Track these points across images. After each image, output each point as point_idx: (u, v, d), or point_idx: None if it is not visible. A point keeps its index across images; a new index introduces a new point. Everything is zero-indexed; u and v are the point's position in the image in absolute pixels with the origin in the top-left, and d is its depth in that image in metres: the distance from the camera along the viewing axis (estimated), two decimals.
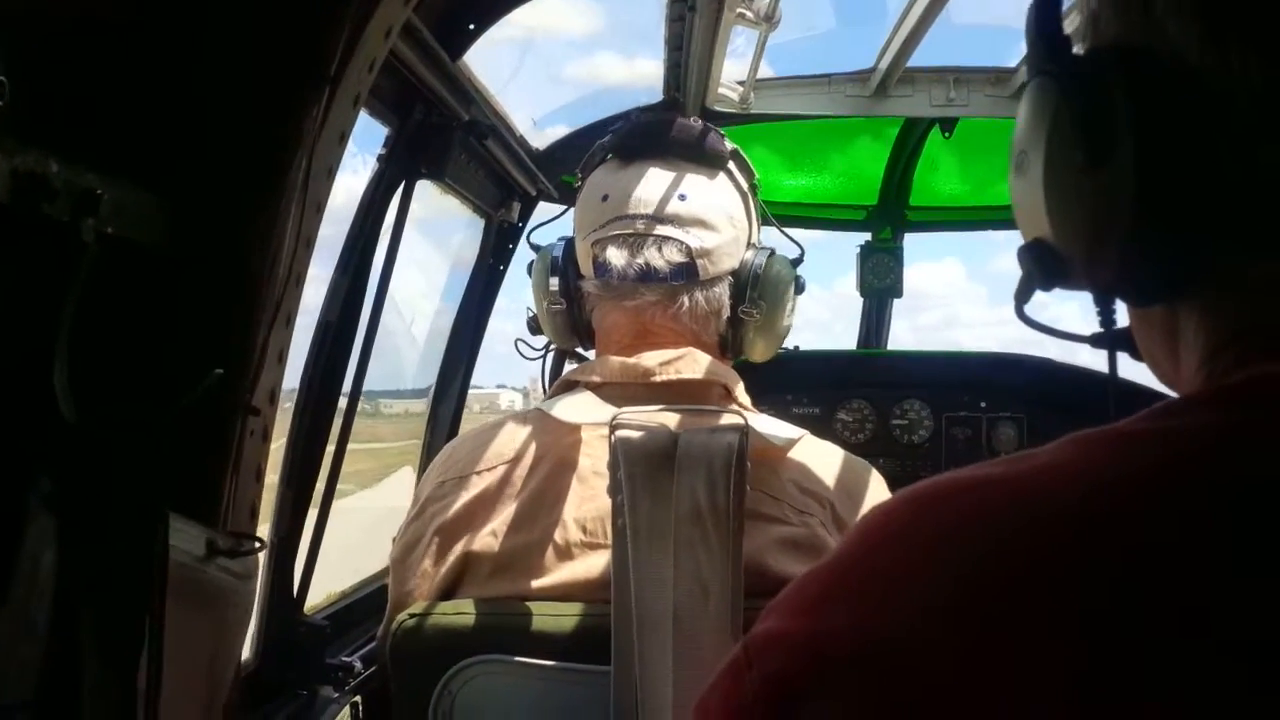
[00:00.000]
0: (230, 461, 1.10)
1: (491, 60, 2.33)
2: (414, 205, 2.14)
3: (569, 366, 1.78)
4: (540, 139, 2.91)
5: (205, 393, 1.00)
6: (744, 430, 1.43)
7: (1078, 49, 0.71)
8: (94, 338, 0.92)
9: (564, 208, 1.89)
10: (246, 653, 1.81)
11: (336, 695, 1.92)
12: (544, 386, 1.91)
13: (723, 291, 1.65)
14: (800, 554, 1.48)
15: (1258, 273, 0.63)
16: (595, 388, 1.61)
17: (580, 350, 1.81)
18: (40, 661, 0.88)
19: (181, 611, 0.97)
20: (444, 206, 2.69)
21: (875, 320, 4.12)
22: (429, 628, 1.46)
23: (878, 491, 1.64)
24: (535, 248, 1.80)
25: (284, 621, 1.91)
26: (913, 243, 3.93)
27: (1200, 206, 0.63)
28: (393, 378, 3.25)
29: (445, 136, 2.07)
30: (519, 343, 1.90)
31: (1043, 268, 0.73)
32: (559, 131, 2.99)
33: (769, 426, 1.56)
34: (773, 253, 1.71)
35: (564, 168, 2.97)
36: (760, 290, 1.66)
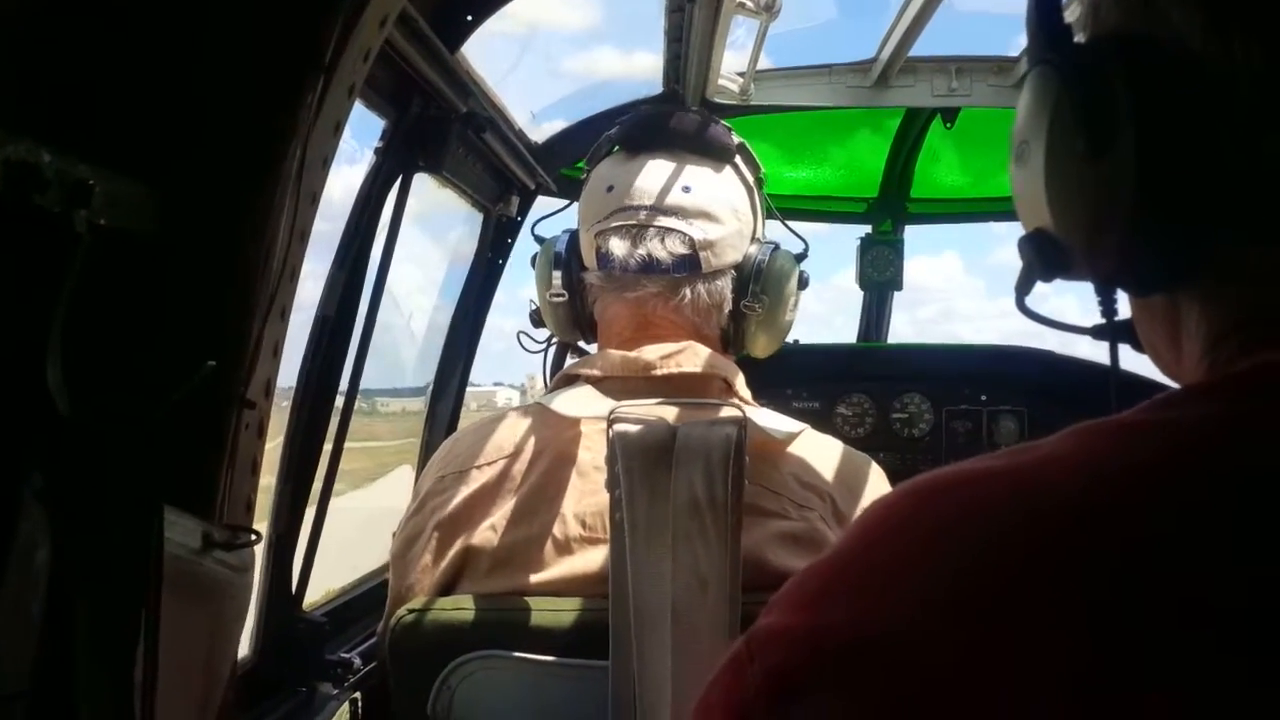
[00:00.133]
0: (225, 454, 1.09)
1: (490, 53, 2.33)
2: (411, 199, 2.13)
3: (571, 360, 1.78)
4: (539, 133, 2.91)
5: (199, 385, 0.99)
6: (742, 423, 1.43)
7: (1078, 38, 0.71)
8: (87, 330, 0.91)
9: (565, 202, 1.88)
10: (245, 650, 1.81)
11: (335, 692, 1.92)
12: (545, 379, 1.90)
13: (725, 285, 1.65)
14: (800, 548, 1.47)
15: (1259, 261, 0.63)
16: (595, 381, 1.61)
17: (582, 344, 1.81)
18: (35, 654, 0.87)
19: (177, 604, 0.97)
20: (442, 200, 2.69)
21: (875, 313, 4.12)
22: (427, 623, 1.46)
23: (878, 485, 1.64)
24: (539, 240, 1.80)
25: (282, 618, 1.90)
26: (911, 236, 3.93)
27: (1201, 195, 0.63)
28: (389, 376, 3.25)
29: (443, 129, 2.06)
30: (522, 335, 1.89)
31: (1044, 258, 0.73)
32: (558, 125, 2.99)
33: (769, 420, 1.56)
34: (777, 247, 1.71)
35: (563, 161, 2.96)
36: (763, 284, 1.66)
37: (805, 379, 3.56)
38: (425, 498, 1.60)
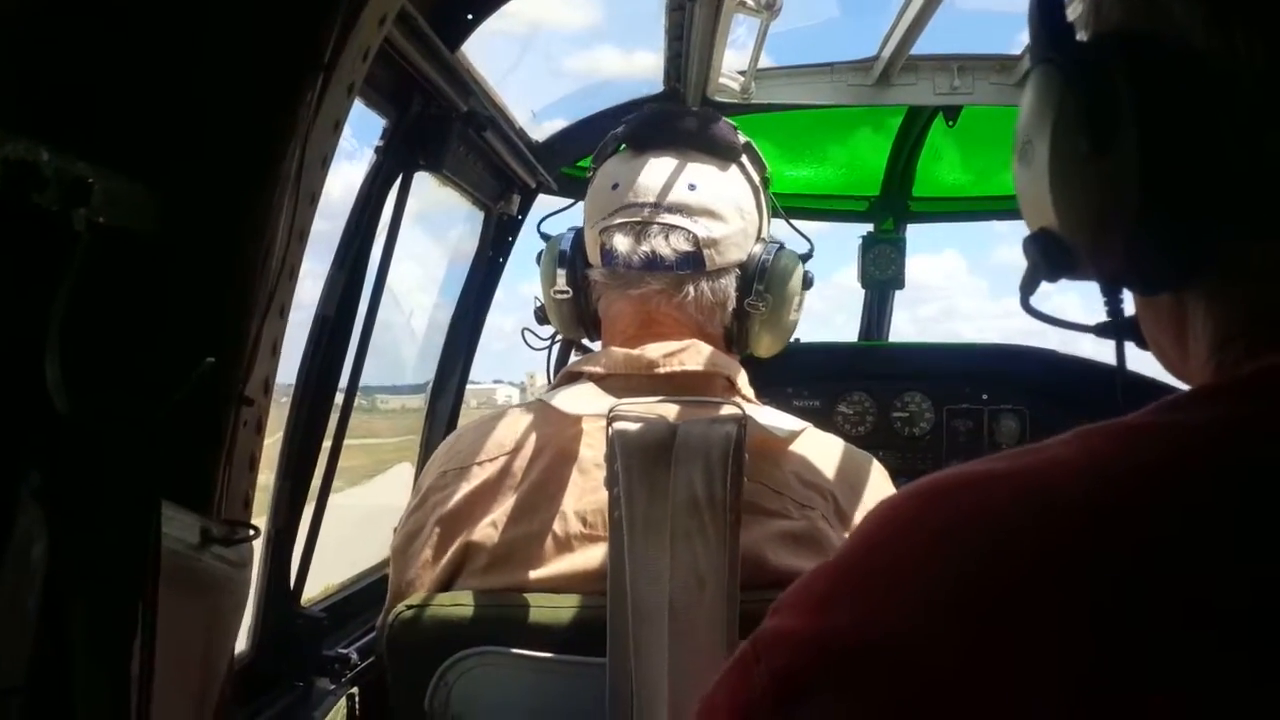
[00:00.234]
0: (224, 451, 1.09)
1: (490, 52, 2.33)
2: (411, 198, 2.13)
3: (575, 357, 1.78)
4: (540, 131, 2.91)
5: (198, 383, 0.99)
6: (742, 421, 1.43)
7: (1080, 36, 0.71)
8: (86, 328, 0.91)
9: (570, 200, 1.89)
10: (243, 645, 1.82)
11: (333, 687, 1.92)
12: (549, 376, 1.91)
13: (729, 283, 1.65)
14: (800, 548, 1.48)
15: (1264, 258, 0.63)
16: (598, 379, 1.61)
17: (586, 341, 1.81)
18: (32, 650, 0.88)
19: (175, 599, 0.97)
20: (442, 199, 2.69)
21: (877, 312, 4.12)
22: (426, 619, 1.47)
23: (880, 484, 1.64)
24: (545, 237, 1.80)
25: (281, 614, 1.91)
26: (912, 235, 3.93)
27: (1206, 193, 0.63)
28: (389, 373, 3.25)
29: (444, 128, 2.06)
30: (526, 332, 1.90)
31: (1049, 258, 0.73)
32: (559, 124, 2.99)
33: (771, 419, 1.56)
34: (781, 246, 1.71)
35: (564, 160, 2.97)
36: (767, 284, 1.65)
37: (806, 377, 3.56)
38: (427, 493, 1.60)
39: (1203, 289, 0.67)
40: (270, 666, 1.87)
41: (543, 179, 2.88)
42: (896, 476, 1.72)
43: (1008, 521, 0.58)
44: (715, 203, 1.63)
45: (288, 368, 1.90)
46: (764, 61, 2.67)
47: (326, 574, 2.46)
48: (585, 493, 1.51)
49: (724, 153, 1.69)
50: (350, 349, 2.05)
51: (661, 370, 1.58)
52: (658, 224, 1.60)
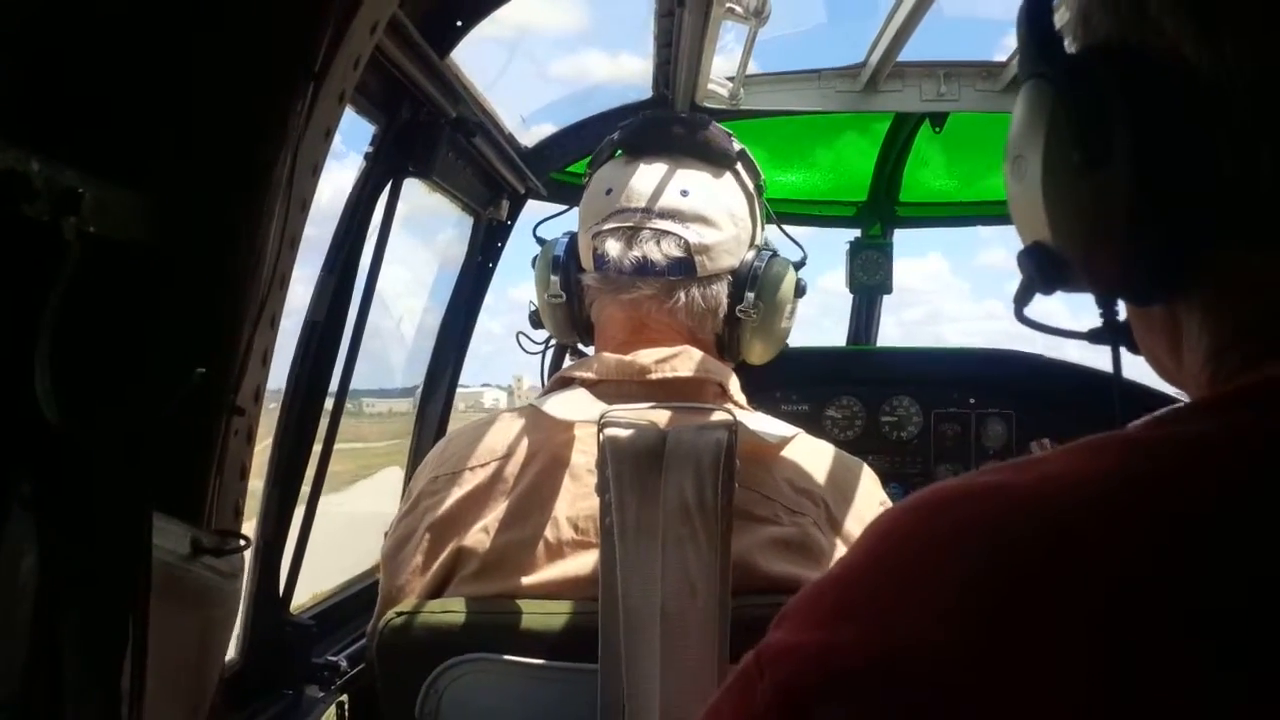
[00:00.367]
0: (214, 461, 1.09)
1: (479, 58, 2.33)
2: (401, 204, 2.13)
3: (569, 362, 1.79)
4: (529, 137, 2.91)
5: (189, 393, 0.99)
6: (733, 428, 1.43)
7: (1070, 47, 0.71)
8: (76, 338, 0.91)
9: (564, 207, 1.89)
10: (232, 652, 1.81)
11: (322, 694, 1.92)
12: (543, 380, 1.91)
13: (721, 290, 1.65)
14: (791, 554, 1.48)
15: (1259, 270, 0.63)
16: (590, 385, 1.61)
17: (580, 346, 1.81)
18: (23, 662, 0.87)
19: (166, 610, 0.97)
20: (431, 205, 2.69)
21: (864, 317, 4.13)
22: (416, 626, 1.46)
23: (870, 490, 1.64)
24: (540, 241, 1.81)
25: (270, 621, 1.90)
26: (897, 238, 3.94)
27: (1200, 205, 0.63)
28: (377, 377, 3.25)
29: (433, 134, 2.06)
30: (521, 336, 1.90)
31: (1043, 272, 0.73)
32: (548, 129, 2.99)
33: (763, 425, 1.56)
34: (774, 254, 1.71)
35: (553, 165, 2.97)
36: (759, 291, 1.66)
37: (794, 382, 3.57)
38: (418, 498, 1.60)
39: (1196, 299, 0.67)
40: (259, 674, 1.86)
41: (532, 185, 2.88)
42: (885, 481, 1.72)
43: (1009, 532, 0.58)
44: (707, 209, 1.63)
45: (277, 374, 1.90)
46: (752, 68, 2.67)
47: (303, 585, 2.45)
48: (577, 499, 1.50)
49: (718, 160, 1.69)
50: (340, 355, 2.04)
51: (653, 376, 1.59)
52: (649, 229, 1.61)
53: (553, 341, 1.90)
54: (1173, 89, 0.63)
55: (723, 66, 2.62)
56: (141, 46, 0.98)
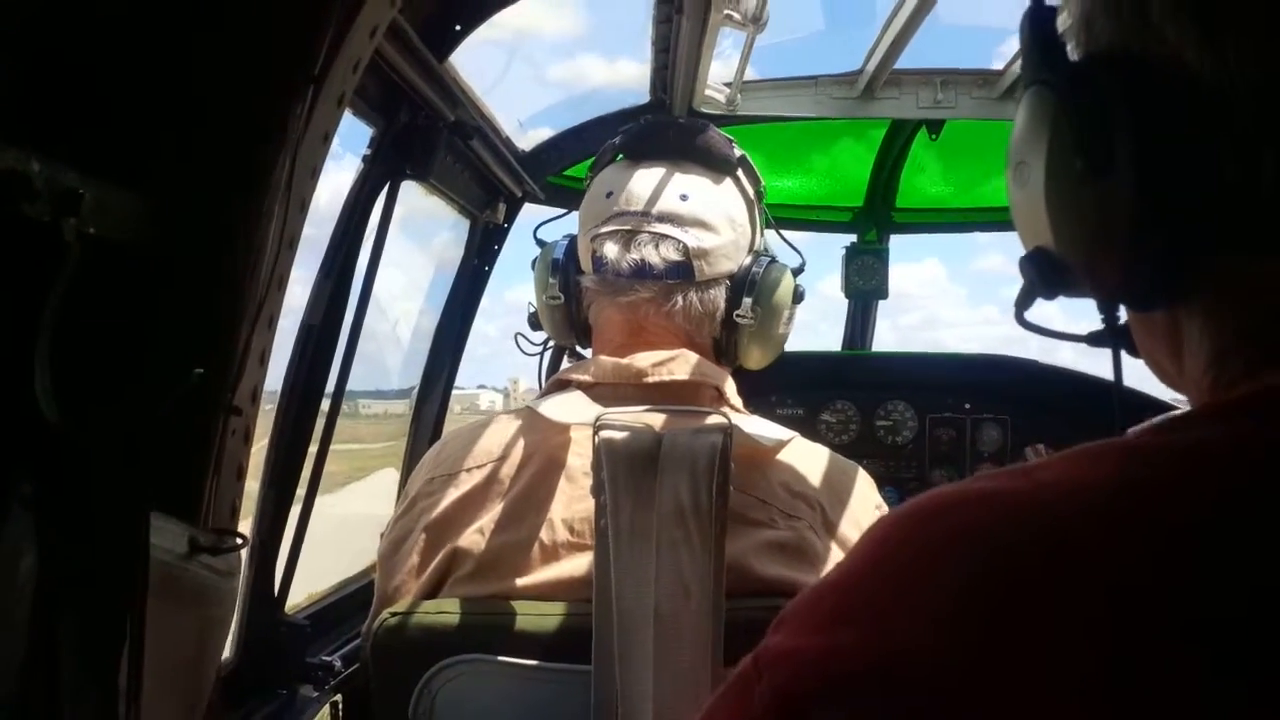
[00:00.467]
0: (211, 461, 1.09)
1: (478, 62, 2.34)
2: (399, 206, 2.14)
3: (567, 364, 1.79)
4: (526, 141, 2.91)
5: (187, 393, 1.00)
6: (728, 431, 1.44)
7: (1072, 54, 0.71)
8: (76, 338, 0.91)
9: (563, 210, 1.90)
10: (227, 652, 1.81)
11: (317, 694, 1.92)
12: (540, 382, 1.92)
13: (719, 294, 1.65)
14: (786, 557, 1.48)
15: (1261, 277, 0.63)
16: (587, 387, 1.62)
17: (578, 348, 1.82)
18: (21, 660, 0.88)
19: (163, 609, 0.97)
20: (428, 207, 2.69)
21: (860, 322, 4.13)
22: (411, 626, 1.46)
23: (866, 493, 1.65)
24: (540, 243, 1.81)
25: (265, 621, 1.91)
26: (893, 244, 3.94)
27: (1202, 212, 0.63)
28: (374, 378, 3.25)
29: (431, 137, 2.07)
30: (519, 337, 1.91)
31: (1045, 277, 0.73)
32: (545, 133, 2.99)
33: (759, 428, 1.57)
34: (773, 259, 1.72)
35: (550, 169, 2.97)
36: (756, 296, 1.66)
37: (790, 386, 3.58)
38: (414, 499, 1.60)
39: (1198, 305, 0.67)
40: (254, 673, 1.87)
41: (529, 188, 2.88)
42: (880, 485, 1.72)
43: (1006, 539, 0.58)
44: (707, 213, 1.64)
45: (273, 375, 1.90)
46: (750, 74, 2.68)
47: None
48: (573, 501, 1.51)
49: (719, 165, 1.70)
50: (336, 356, 2.05)
51: (650, 379, 1.59)
52: (648, 232, 1.61)
53: (551, 343, 1.90)
54: (1175, 96, 0.63)
55: (720, 72, 2.63)
56: (142, 48, 0.99)
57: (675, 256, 1.61)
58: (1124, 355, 0.77)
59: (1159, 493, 0.57)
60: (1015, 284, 0.78)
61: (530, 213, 3.00)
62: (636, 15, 2.37)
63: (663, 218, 1.62)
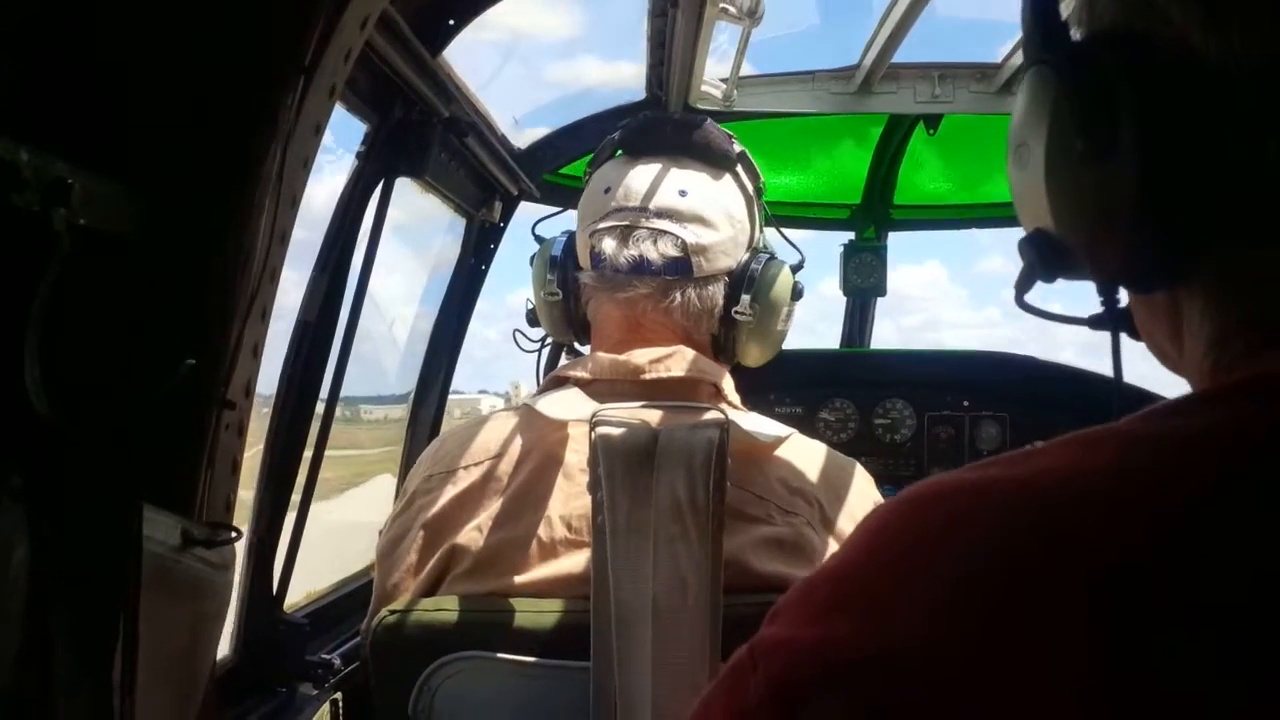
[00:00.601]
0: (205, 454, 1.09)
1: (472, 59, 2.33)
2: (392, 205, 2.13)
3: (565, 361, 1.79)
4: (522, 138, 2.91)
5: (179, 385, 0.99)
6: (724, 426, 1.43)
7: (1075, 34, 0.71)
8: (66, 329, 0.91)
9: (558, 209, 1.90)
10: (226, 650, 1.81)
11: (316, 692, 1.92)
12: (538, 378, 1.91)
13: (717, 291, 1.65)
14: (784, 553, 1.48)
15: (1261, 261, 0.63)
16: (584, 384, 1.61)
17: (576, 345, 1.81)
18: (14, 654, 0.87)
19: (157, 602, 0.97)
20: (423, 206, 2.69)
21: (858, 320, 4.13)
22: (410, 624, 1.46)
23: (864, 489, 1.64)
24: (539, 239, 1.81)
25: (264, 620, 1.90)
26: (895, 245, 3.94)
27: (1204, 195, 0.63)
28: (374, 383, 3.24)
29: (425, 133, 2.06)
30: (517, 333, 1.90)
31: (1045, 259, 0.73)
32: (541, 131, 2.99)
33: (757, 424, 1.56)
34: (772, 256, 1.71)
35: (546, 167, 2.97)
36: (755, 293, 1.65)
37: (788, 384, 3.57)
38: (412, 497, 1.60)
39: (1198, 287, 0.67)
40: (253, 671, 1.87)
41: (525, 186, 2.88)
42: (879, 482, 1.72)
43: (1004, 526, 0.58)
44: (705, 209, 1.63)
45: (269, 375, 1.90)
46: (746, 69, 2.67)
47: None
48: (570, 498, 1.50)
49: (718, 161, 1.69)
50: (332, 356, 2.04)
51: (647, 376, 1.59)
52: (646, 228, 1.61)
53: (549, 340, 1.90)
54: (1179, 77, 0.62)
55: (716, 68, 2.62)
56: (132, 38, 0.99)
57: (674, 252, 1.60)
58: (1125, 347, 0.77)
59: (1159, 479, 0.56)
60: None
61: (526, 211, 3.00)
62: (631, 10, 2.37)
63: (661, 213, 1.62)
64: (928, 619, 0.56)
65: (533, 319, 1.84)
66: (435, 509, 1.55)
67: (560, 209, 1.91)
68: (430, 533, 1.54)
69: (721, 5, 2.00)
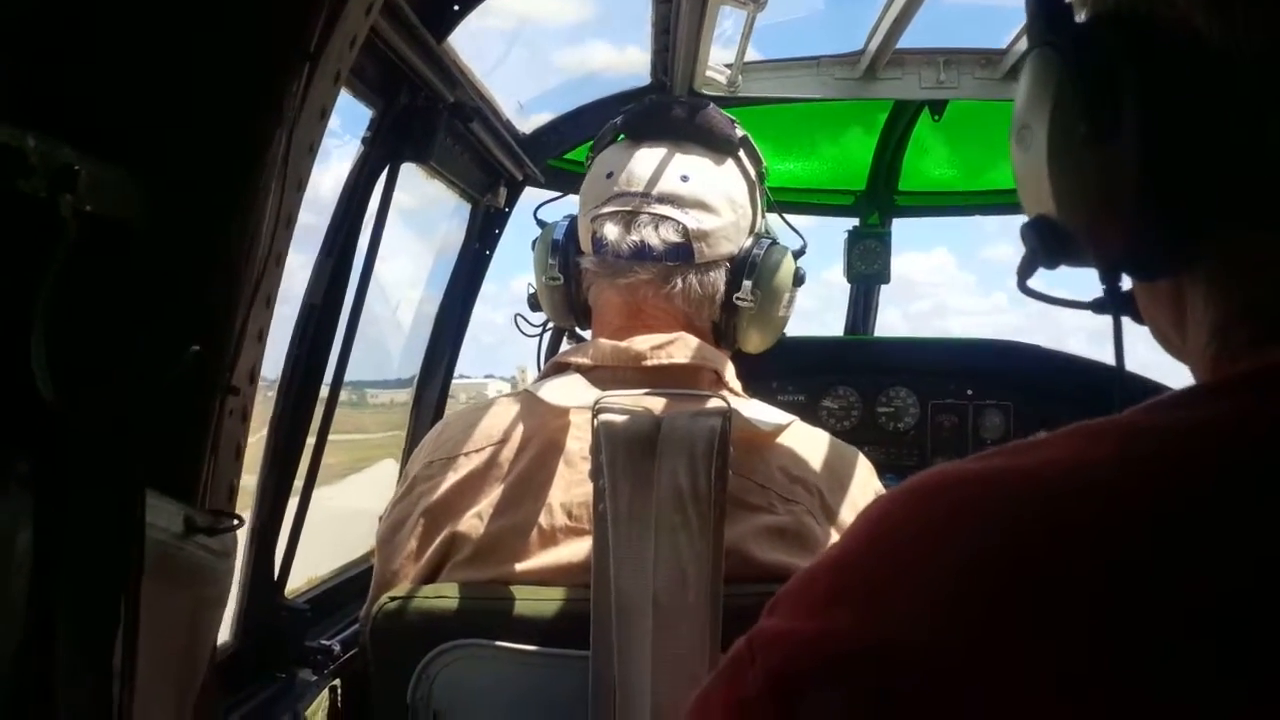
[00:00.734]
0: (209, 440, 1.09)
1: (477, 44, 2.33)
2: (398, 193, 2.13)
3: (566, 345, 1.79)
4: (527, 124, 2.91)
5: (183, 371, 0.99)
6: (727, 414, 1.43)
7: (1079, 16, 0.70)
8: (71, 315, 0.91)
9: (560, 194, 1.90)
10: (226, 636, 1.82)
11: (315, 678, 1.92)
12: (540, 363, 1.91)
13: (718, 277, 1.65)
14: (785, 542, 1.48)
15: (1265, 247, 0.63)
16: (586, 370, 1.61)
17: (578, 330, 1.81)
18: (15, 640, 0.87)
19: (158, 588, 0.97)
20: (429, 190, 2.69)
21: (862, 307, 4.13)
22: (410, 610, 1.46)
23: (865, 478, 1.64)
24: (541, 224, 1.81)
25: (264, 605, 1.91)
26: (902, 231, 3.94)
27: (1207, 178, 0.63)
28: (380, 367, 3.24)
29: (431, 119, 2.06)
30: (518, 318, 1.90)
31: (1047, 245, 0.73)
32: (546, 116, 2.99)
33: (758, 412, 1.56)
34: (774, 242, 1.71)
35: (550, 152, 2.97)
36: (757, 279, 1.65)
37: (791, 371, 3.57)
38: (413, 483, 1.60)
39: (1201, 273, 0.66)
40: (253, 657, 1.87)
41: (530, 171, 2.88)
42: (881, 471, 1.72)
43: (1007, 516, 0.58)
44: (707, 195, 1.63)
45: (273, 359, 1.90)
46: (751, 54, 2.67)
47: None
48: (571, 485, 1.50)
49: (720, 146, 1.69)
50: (336, 341, 2.04)
51: (649, 362, 1.59)
52: (648, 214, 1.61)
53: (550, 324, 1.90)
54: (1182, 59, 0.62)
55: (721, 53, 2.61)
56: (136, 24, 0.98)
57: (675, 238, 1.60)
58: (1130, 333, 0.76)
59: (1161, 470, 0.56)
60: None
61: (531, 196, 3.00)
62: None
63: (663, 199, 1.61)
64: (930, 608, 0.56)
65: (534, 304, 1.84)
66: (436, 495, 1.55)
67: (562, 194, 1.90)
68: (431, 519, 1.55)
69: None
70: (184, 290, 1.05)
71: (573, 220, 1.76)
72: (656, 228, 1.60)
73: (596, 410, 1.45)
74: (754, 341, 1.73)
